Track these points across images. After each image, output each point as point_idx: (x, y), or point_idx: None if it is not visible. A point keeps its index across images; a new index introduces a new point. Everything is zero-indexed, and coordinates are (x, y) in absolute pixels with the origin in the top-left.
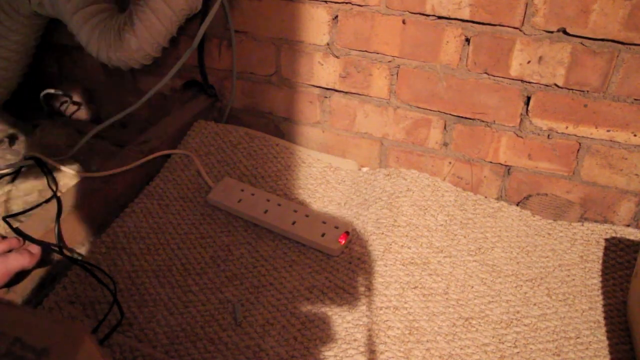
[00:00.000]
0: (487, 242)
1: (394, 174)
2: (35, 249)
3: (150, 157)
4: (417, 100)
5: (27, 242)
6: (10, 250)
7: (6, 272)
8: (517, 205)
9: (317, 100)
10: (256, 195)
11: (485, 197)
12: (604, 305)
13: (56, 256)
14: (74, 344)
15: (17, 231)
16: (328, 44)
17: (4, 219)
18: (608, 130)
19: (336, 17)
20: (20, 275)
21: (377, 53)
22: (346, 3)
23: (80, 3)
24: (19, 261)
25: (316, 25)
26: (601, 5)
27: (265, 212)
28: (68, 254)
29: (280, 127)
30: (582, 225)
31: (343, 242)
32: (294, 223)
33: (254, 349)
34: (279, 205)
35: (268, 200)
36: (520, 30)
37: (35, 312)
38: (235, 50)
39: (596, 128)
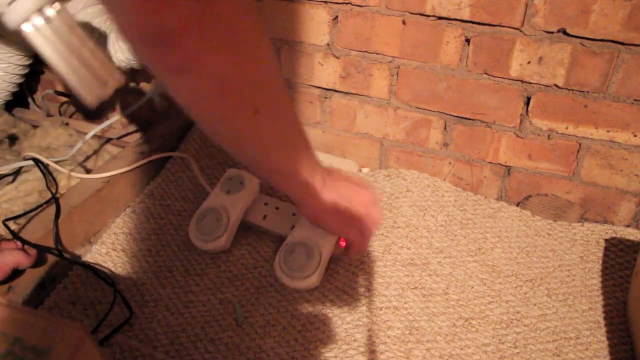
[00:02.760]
0: (487, 243)
1: (394, 175)
2: (32, 251)
3: (150, 158)
4: (417, 100)
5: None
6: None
7: (2, 266)
8: (517, 205)
9: (317, 101)
10: (255, 200)
11: (485, 198)
12: (604, 306)
13: (56, 257)
14: (73, 345)
15: (15, 235)
16: (328, 45)
17: (4, 222)
18: (608, 131)
19: (336, 17)
20: (17, 273)
21: (377, 53)
22: (346, 3)
23: (80, 4)
24: (15, 257)
25: (316, 25)
26: (601, 6)
27: (264, 217)
28: (67, 256)
29: None
30: (582, 225)
31: (344, 244)
32: (293, 227)
33: (255, 349)
34: (277, 208)
35: (266, 204)
36: (520, 31)
37: (36, 312)
38: None
39: (596, 128)
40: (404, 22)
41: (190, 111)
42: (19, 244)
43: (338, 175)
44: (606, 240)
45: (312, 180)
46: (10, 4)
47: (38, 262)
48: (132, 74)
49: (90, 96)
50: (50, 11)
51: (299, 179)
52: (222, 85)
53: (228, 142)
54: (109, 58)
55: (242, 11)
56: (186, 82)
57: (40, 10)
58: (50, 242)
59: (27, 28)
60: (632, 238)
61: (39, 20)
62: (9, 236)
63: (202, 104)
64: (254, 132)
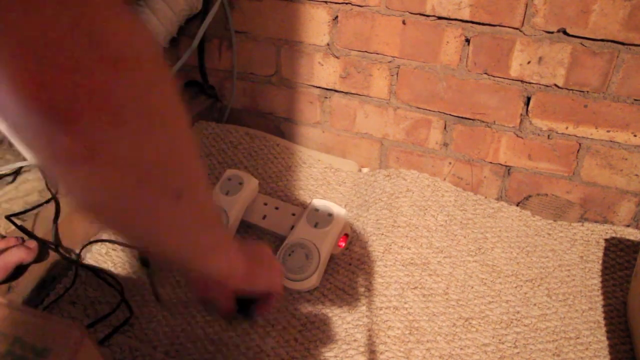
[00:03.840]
0: (487, 243)
1: (394, 175)
2: (32, 244)
3: None
4: (417, 100)
5: (26, 239)
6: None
7: (4, 265)
8: (517, 205)
9: (317, 101)
10: (254, 200)
11: (485, 198)
12: (604, 306)
13: (56, 257)
14: (73, 345)
15: (21, 229)
16: (328, 44)
17: (8, 217)
18: (608, 131)
19: (336, 17)
20: (19, 270)
21: (377, 53)
22: (346, 3)
23: None
24: (16, 255)
25: (316, 25)
26: (601, 6)
27: (264, 217)
28: (66, 254)
29: (281, 127)
30: (582, 225)
31: (343, 244)
32: (292, 227)
33: (255, 349)
34: (277, 208)
35: (265, 204)
36: (520, 31)
37: (36, 312)
38: (235, 51)
39: (596, 128)
40: (404, 22)
41: (94, 209)
42: (19, 239)
43: (244, 243)
44: (606, 240)
45: (234, 249)
46: None
47: (40, 257)
48: None
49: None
50: None
51: (223, 251)
52: (138, 172)
53: (139, 235)
54: None
55: (158, 81)
56: (90, 172)
57: None
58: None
59: None
60: (632, 238)
61: None
62: (11, 234)
63: (113, 198)
64: (175, 219)
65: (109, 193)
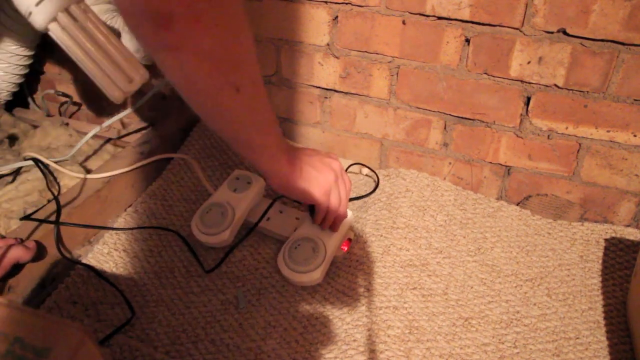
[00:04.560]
0: (487, 242)
1: (393, 175)
2: (31, 244)
3: (151, 159)
4: (417, 100)
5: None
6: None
7: (1, 263)
8: (517, 205)
9: (317, 101)
10: (258, 203)
11: (485, 197)
12: (604, 305)
13: (56, 257)
14: (74, 345)
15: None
16: (328, 45)
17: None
18: (608, 131)
19: (336, 17)
20: (17, 268)
21: (377, 53)
22: (346, 3)
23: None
24: (14, 253)
25: (316, 25)
26: (601, 6)
27: (268, 219)
28: (66, 254)
29: (281, 127)
30: (582, 225)
31: (346, 249)
32: (296, 230)
33: (256, 350)
34: (281, 212)
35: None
36: (520, 31)
37: (36, 312)
38: None
39: (596, 128)
40: (404, 22)
41: (178, 87)
42: (18, 239)
43: (304, 149)
44: (606, 240)
45: (280, 152)
46: (38, 4)
47: (38, 257)
48: None
49: (116, 92)
50: (76, 10)
51: (269, 152)
52: (210, 63)
53: (210, 117)
54: (133, 55)
55: (231, 2)
56: (179, 59)
57: (66, 10)
58: (50, 242)
59: (54, 27)
60: (632, 238)
61: (65, 20)
62: (15, 232)
63: (190, 81)
64: (233, 110)
65: (186, 76)
